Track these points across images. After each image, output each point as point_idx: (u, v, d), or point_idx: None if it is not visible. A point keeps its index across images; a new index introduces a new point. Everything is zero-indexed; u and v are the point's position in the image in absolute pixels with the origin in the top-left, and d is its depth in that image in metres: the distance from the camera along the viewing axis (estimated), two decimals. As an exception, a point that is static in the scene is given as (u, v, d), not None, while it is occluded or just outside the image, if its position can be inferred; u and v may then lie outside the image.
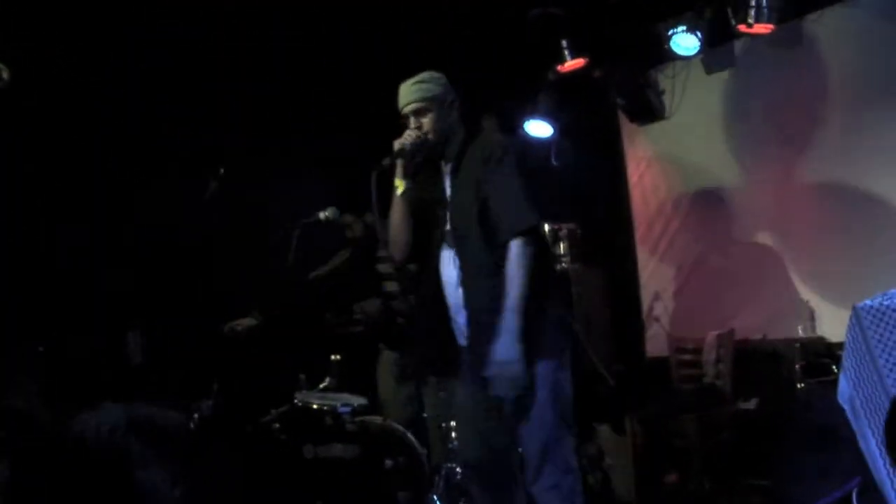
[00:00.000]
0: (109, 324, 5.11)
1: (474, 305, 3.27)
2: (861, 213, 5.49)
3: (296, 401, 4.52)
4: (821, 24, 5.63)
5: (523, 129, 6.55)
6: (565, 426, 3.22)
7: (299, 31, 5.52)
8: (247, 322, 5.20)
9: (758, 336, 5.85)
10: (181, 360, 5.11)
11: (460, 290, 3.30)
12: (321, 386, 4.76)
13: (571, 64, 6.13)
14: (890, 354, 3.42)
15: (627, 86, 6.46)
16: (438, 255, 3.37)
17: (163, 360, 5.11)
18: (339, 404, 4.49)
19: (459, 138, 3.37)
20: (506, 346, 3.08)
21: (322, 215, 4.63)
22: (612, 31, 6.09)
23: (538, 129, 6.56)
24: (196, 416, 4.55)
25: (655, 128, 6.60)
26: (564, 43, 6.06)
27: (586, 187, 6.72)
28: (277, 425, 4.53)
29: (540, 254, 3.21)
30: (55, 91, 4.93)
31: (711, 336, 5.87)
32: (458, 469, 4.75)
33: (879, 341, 3.44)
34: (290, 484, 4.28)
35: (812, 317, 5.62)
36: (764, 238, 6.03)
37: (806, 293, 5.65)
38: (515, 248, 3.14)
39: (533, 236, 3.17)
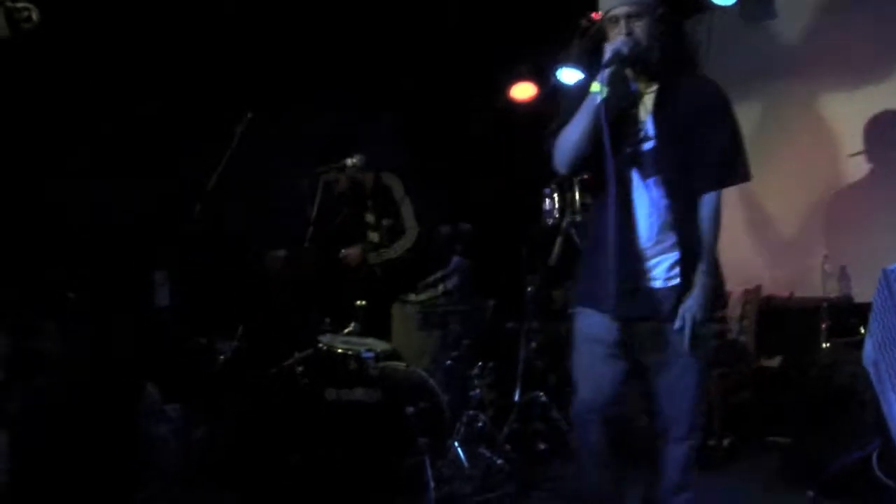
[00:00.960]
0: (136, 266, 5.15)
1: (686, 244, 3.07)
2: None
3: (320, 344, 4.57)
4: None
5: (556, 76, 6.47)
6: None
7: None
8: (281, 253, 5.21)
9: (785, 293, 5.81)
10: (207, 302, 5.16)
11: (661, 222, 3.09)
12: (345, 331, 4.80)
13: (606, 11, 6.01)
14: (918, 319, 3.40)
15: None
16: (628, 181, 3.10)
17: (189, 301, 5.15)
18: (363, 349, 4.53)
19: (666, 59, 3.12)
20: (706, 300, 3.01)
21: (350, 161, 4.60)
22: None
23: (571, 76, 6.47)
24: (221, 357, 4.61)
25: (690, 79, 6.49)
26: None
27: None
28: (301, 368, 4.58)
29: None
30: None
31: (738, 292, 5.82)
32: (480, 416, 4.82)
33: (908, 306, 3.42)
34: (311, 426, 4.32)
35: (841, 276, 5.55)
36: (796, 196, 5.95)
37: (836, 252, 5.57)
38: (717, 198, 3.10)
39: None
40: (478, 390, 5.02)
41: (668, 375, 3.19)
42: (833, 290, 5.49)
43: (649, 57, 3.08)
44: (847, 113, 5.65)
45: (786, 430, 5.21)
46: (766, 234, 6.12)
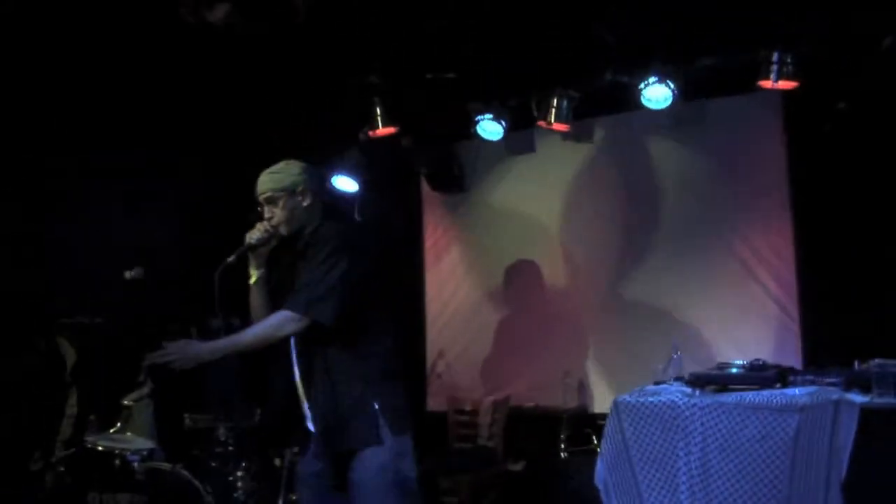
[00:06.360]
0: None
1: (312, 391, 3.40)
2: (628, 300, 6.17)
3: (86, 443, 4.52)
4: (608, 127, 6.31)
5: (331, 183, 6.78)
6: None
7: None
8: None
9: (530, 404, 6.36)
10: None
11: (301, 372, 3.44)
12: (111, 431, 4.77)
13: (383, 130, 6.44)
14: (641, 445, 3.95)
15: (432, 156, 6.86)
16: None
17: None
18: (129, 450, 4.52)
19: (313, 226, 3.44)
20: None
21: (128, 274, 4.53)
22: (425, 105, 6.44)
23: (345, 184, 6.82)
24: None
25: (455, 198, 7.01)
26: (378, 110, 6.37)
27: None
28: (62, 468, 4.50)
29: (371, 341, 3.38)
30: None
31: (488, 401, 6.31)
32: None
33: (633, 433, 3.96)
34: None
35: (579, 388, 6.19)
36: (543, 312, 6.55)
37: (575, 367, 6.20)
38: (281, 315, 3.25)
39: (306, 324, 3.25)
40: (240, 491, 5.09)
41: None
42: (572, 402, 6.08)
43: (291, 230, 3.44)
44: (590, 241, 6.37)
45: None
46: (514, 346, 6.65)
